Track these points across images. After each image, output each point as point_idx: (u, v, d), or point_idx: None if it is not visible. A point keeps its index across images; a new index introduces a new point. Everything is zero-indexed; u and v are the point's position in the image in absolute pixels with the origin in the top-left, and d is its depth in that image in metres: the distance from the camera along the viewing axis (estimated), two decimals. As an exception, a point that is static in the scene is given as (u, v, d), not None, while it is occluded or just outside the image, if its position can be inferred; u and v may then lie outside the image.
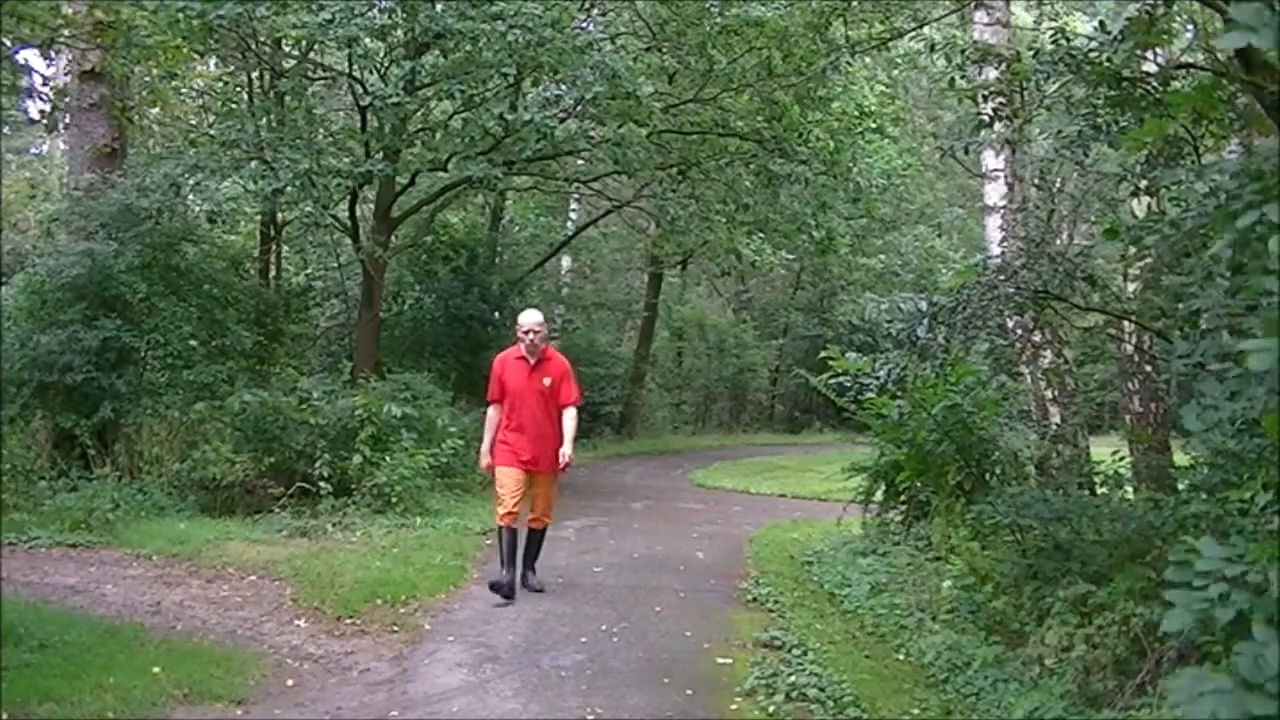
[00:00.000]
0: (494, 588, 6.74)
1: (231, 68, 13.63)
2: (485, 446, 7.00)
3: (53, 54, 11.01)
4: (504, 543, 6.87)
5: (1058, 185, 8.45)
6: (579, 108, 10.95)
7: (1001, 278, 6.10)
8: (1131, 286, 7.25)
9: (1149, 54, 6.20)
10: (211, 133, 12.79)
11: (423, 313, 16.07)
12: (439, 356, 15.32)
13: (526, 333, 6.82)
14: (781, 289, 26.83)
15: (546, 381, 6.83)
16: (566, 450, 6.79)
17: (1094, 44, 5.19)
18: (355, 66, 11.45)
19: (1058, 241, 8.06)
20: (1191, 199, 4.60)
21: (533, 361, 6.85)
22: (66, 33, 8.51)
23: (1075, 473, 7.33)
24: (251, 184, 10.89)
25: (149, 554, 7.83)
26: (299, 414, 9.86)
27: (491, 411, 7.01)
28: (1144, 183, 5.89)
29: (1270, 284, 2.11)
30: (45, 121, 8.18)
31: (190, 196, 11.66)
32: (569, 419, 6.90)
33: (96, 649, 5.31)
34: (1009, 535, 6.24)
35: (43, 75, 9.60)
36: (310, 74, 12.54)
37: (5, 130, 15.23)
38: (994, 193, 8.64)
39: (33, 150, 24.78)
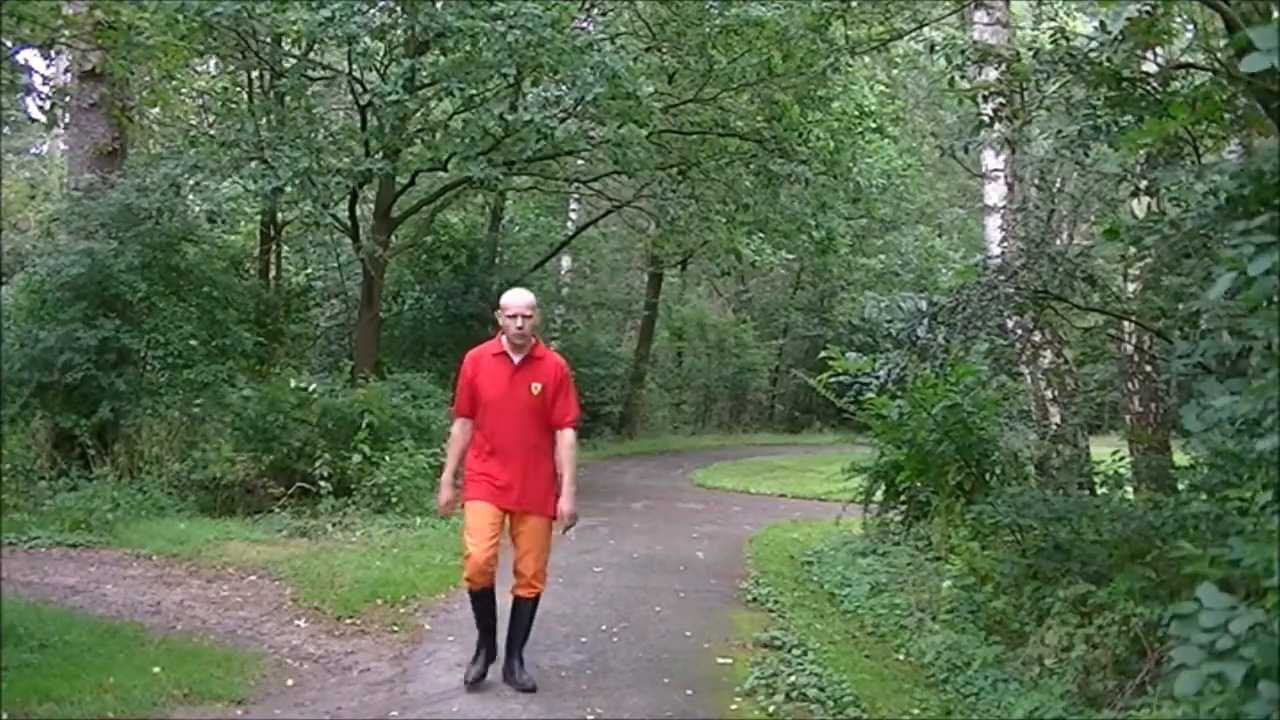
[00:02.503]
0: (471, 685, 5.04)
1: (231, 68, 13.64)
2: (447, 475, 5.10)
3: (53, 54, 11.01)
4: (476, 611, 5.09)
5: (1058, 185, 8.45)
6: (579, 108, 10.95)
7: (1001, 278, 6.10)
8: (1131, 286, 7.24)
9: (1149, 54, 6.19)
10: (212, 133, 12.80)
11: (423, 313, 16.08)
12: (439, 356, 15.32)
13: (513, 317, 4.96)
14: (781, 289, 26.83)
15: (536, 388, 4.96)
16: (567, 505, 4.96)
17: (1094, 44, 5.19)
18: (355, 65, 11.46)
19: (1058, 241, 8.05)
20: (1191, 199, 4.60)
21: (517, 360, 5.00)
22: (66, 33, 8.51)
23: (1075, 473, 7.33)
24: (251, 183, 10.90)
25: (149, 554, 7.83)
26: (298, 412, 9.87)
27: (458, 429, 5.15)
28: (1144, 183, 5.89)
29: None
30: (45, 118, 8.21)
31: (190, 196, 11.66)
32: (567, 448, 5.02)
33: (96, 649, 5.31)
34: (1009, 535, 6.24)
35: (43, 75, 9.60)
36: (310, 73, 12.54)
37: (5, 130, 15.23)
38: (994, 193, 8.64)
39: (33, 150, 24.79)
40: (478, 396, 5.04)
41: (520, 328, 4.97)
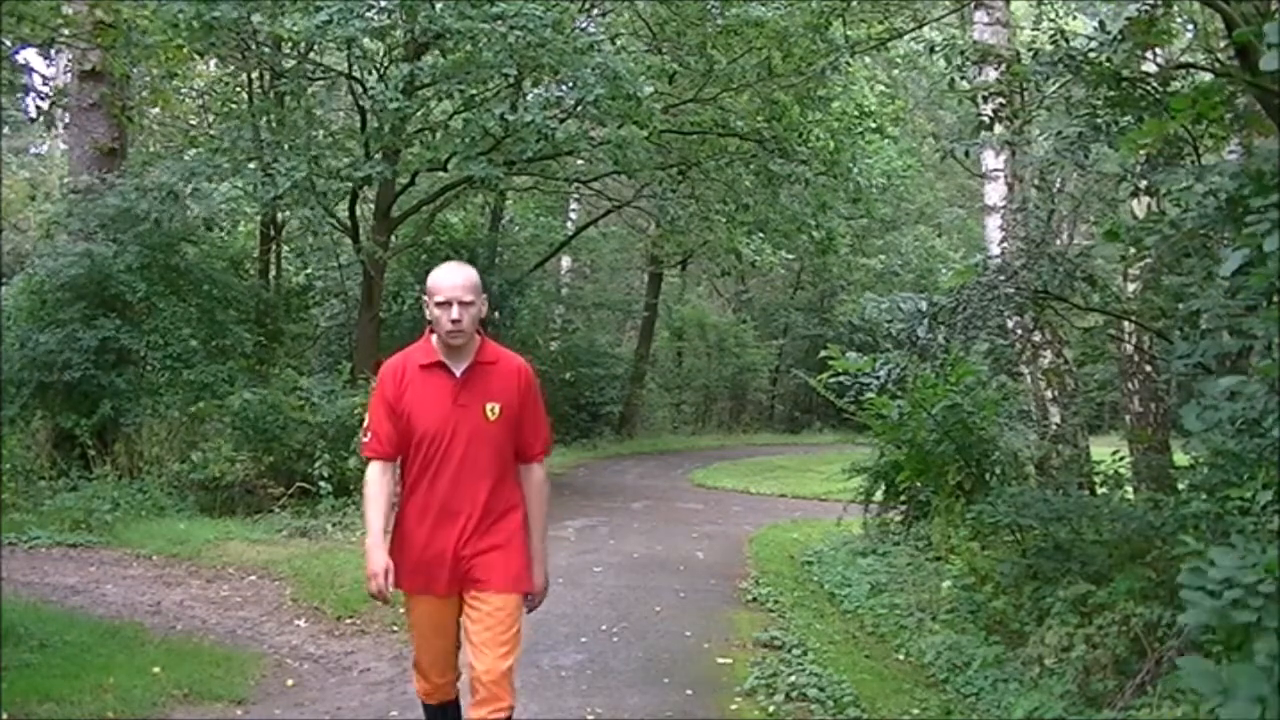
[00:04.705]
0: None
1: (231, 68, 13.63)
2: (373, 539, 3.36)
3: (53, 54, 11.02)
4: None
5: (1058, 185, 8.45)
6: (579, 108, 10.96)
7: (1001, 278, 6.10)
8: (1131, 286, 7.25)
9: (1149, 54, 6.19)
10: (212, 133, 12.80)
11: (423, 312, 16.06)
12: (439, 356, 15.27)
13: (445, 305, 3.37)
14: (781, 289, 26.83)
15: (493, 410, 3.40)
16: (538, 577, 3.51)
17: (1094, 44, 5.19)
18: (355, 67, 11.46)
19: (1058, 241, 8.07)
20: (1191, 200, 4.61)
21: (460, 370, 3.43)
22: (66, 33, 8.51)
23: (1075, 473, 7.33)
24: (250, 189, 10.90)
25: (149, 554, 7.85)
26: (298, 414, 9.87)
27: (375, 476, 3.42)
28: (1144, 183, 5.89)
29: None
30: (42, 118, 8.25)
31: (189, 201, 11.66)
32: (538, 491, 3.54)
33: (96, 649, 5.31)
34: (1009, 535, 6.24)
35: (43, 75, 9.61)
36: (310, 74, 12.55)
37: (5, 130, 15.24)
38: (994, 193, 8.64)
39: (33, 150, 24.80)
40: (408, 428, 3.39)
41: (457, 320, 3.35)
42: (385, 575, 3.31)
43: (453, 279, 3.41)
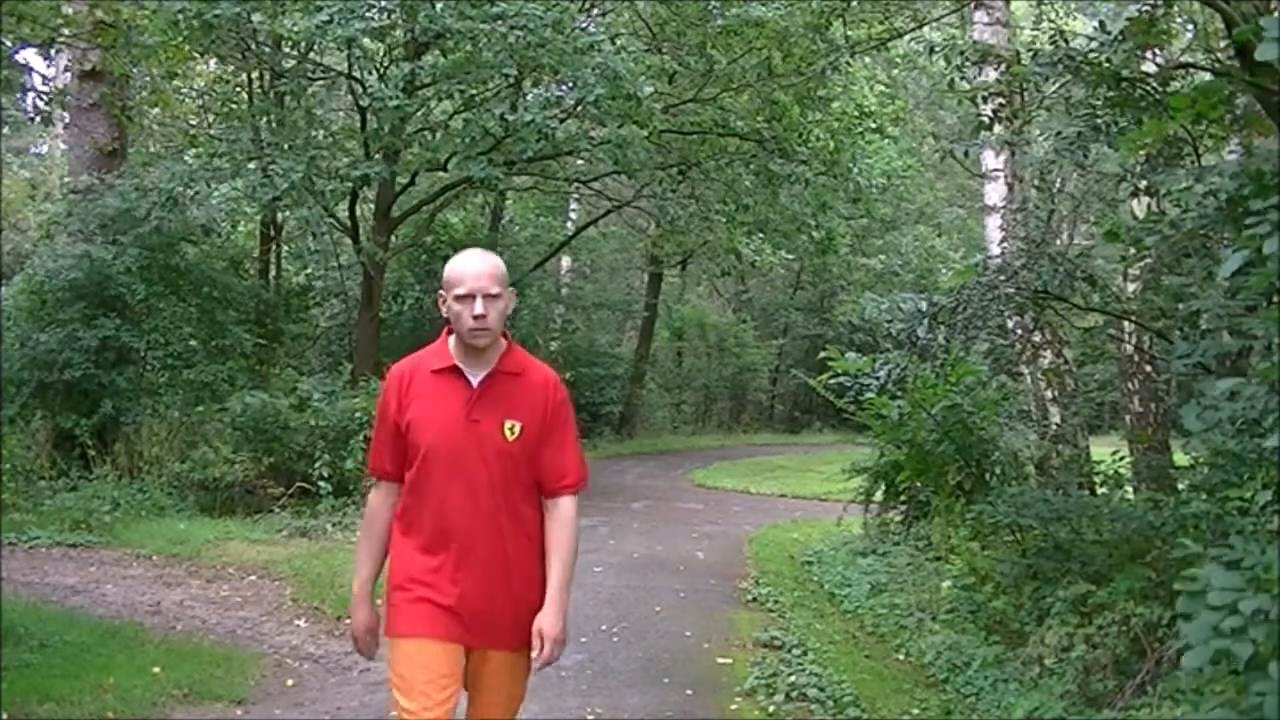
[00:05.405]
0: None
1: (231, 68, 13.64)
2: (360, 585, 3.15)
3: (53, 54, 11.02)
4: None
5: (1058, 185, 8.45)
6: (579, 108, 10.96)
7: (1001, 278, 6.10)
8: (1131, 286, 7.25)
9: (1149, 54, 6.19)
10: (212, 133, 12.80)
11: (423, 313, 16.06)
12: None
13: (467, 298, 2.79)
14: (781, 289, 26.83)
15: (512, 429, 2.86)
16: (551, 623, 2.81)
17: (1093, 44, 5.19)
18: (355, 67, 11.47)
19: (1058, 241, 8.07)
20: (1191, 200, 4.61)
21: (477, 379, 2.88)
22: (66, 33, 8.52)
23: (1075, 473, 7.33)
24: (249, 190, 10.90)
25: (149, 554, 7.85)
26: (298, 417, 9.88)
27: (377, 501, 3.06)
28: (1144, 183, 5.89)
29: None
30: (40, 117, 8.27)
31: (189, 204, 11.67)
32: (564, 528, 2.90)
33: (96, 649, 5.31)
34: (1009, 535, 6.24)
35: (43, 75, 9.64)
36: (310, 74, 12.55)
37: (5, 130, 15.26)
38: (994, 193, 8.64)
39: (33, 150, 24.79)
40: (412, 442, 2.88)
41: (481, 316, 2.79)
42: (367, 637, 3.07)
43: (477, 267, 2.83)
